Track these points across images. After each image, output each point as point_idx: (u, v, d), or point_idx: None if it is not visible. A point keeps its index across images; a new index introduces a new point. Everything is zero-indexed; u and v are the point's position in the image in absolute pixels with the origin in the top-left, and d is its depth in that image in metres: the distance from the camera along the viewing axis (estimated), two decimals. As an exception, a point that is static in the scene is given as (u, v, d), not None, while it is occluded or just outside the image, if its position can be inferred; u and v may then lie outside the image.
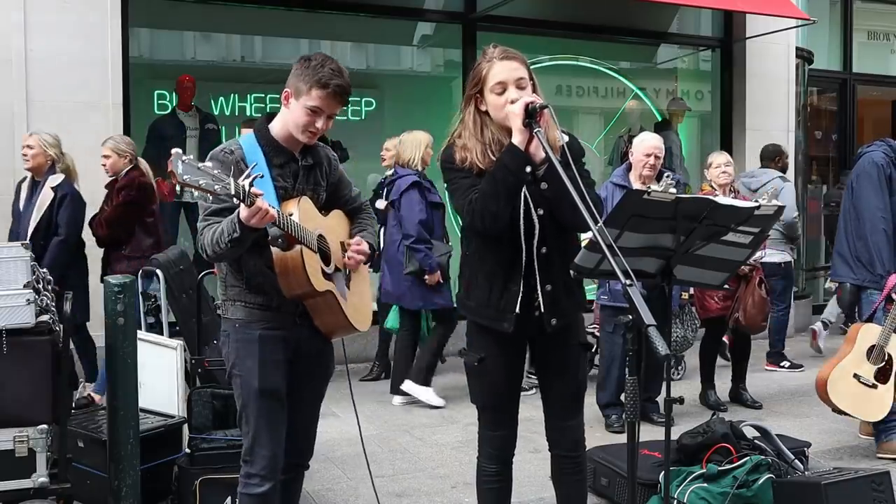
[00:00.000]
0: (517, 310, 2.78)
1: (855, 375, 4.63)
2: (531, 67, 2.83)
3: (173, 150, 2.37)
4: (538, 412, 3.08)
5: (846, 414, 4.74)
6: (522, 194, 2.75)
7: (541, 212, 2.77)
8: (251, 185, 2.46)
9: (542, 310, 2.80)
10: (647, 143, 5.15)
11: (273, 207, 2.52)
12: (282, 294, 2.71)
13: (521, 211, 2.76)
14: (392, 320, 6.05)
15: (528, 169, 2.68)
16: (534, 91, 2.77)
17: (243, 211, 2.48)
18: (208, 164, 2.45)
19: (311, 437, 3.02)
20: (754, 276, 5.58)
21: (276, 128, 2.80)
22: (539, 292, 2.79)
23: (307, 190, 2.84)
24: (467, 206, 2.74)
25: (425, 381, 5.85)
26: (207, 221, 2.67)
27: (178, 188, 6.99)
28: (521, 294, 2.78)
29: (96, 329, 4.37)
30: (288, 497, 3.02)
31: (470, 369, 2.95)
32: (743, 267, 5.33)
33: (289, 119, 2.76)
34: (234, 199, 2.46)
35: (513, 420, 2.98)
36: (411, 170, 5.82)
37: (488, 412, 2.96)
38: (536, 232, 2.77)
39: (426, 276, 5.68)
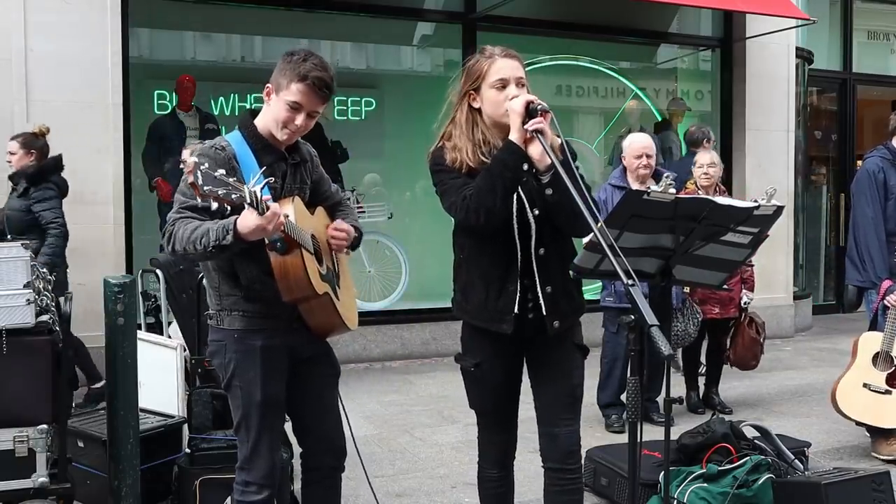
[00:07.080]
0: (516, 310, 2.74)
1: (864, 385, 4.65)
2: (531, 68, 2.82)
3: (189, 159, 2.31)
4: (537, 411, 3.07)
5: (864, 424, 4.75)
6: (517, 193, 2.71)
7: (536, 212, 2.72)
8: (262, 190, 2.41)
9: (544, 312, 2.75)
10: (636, 145, 5.12)
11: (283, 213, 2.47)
12: (280, 300, 2.65)
13: (515, 210, 2.71)
14: None
15: (525, 167, 2.64)
16: None
17: (256, 219, 2.39)
18: (222, 171, 2.36)
19: (343, 435, 2.94)
20: (745, 317, 5.58)
21: (260, 125, 2.74)
22: (540, 294, 2.75)
23: (294, 189, 2.79)
24: (461, 203, 2.66)
25: None
26: (182, 214, 2.57)
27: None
28: (518, 294, 2.73)
29: (96, 329, 4.36)
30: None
31: (466, 374, 2.89)
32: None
33: (269, 115, 2.70)
34: (248, 207, 2.37)
35: (513, 423, 2.94)
36: None
37: (489, 416, 2.92)
38: (533, 232, 2.73)
39: None
